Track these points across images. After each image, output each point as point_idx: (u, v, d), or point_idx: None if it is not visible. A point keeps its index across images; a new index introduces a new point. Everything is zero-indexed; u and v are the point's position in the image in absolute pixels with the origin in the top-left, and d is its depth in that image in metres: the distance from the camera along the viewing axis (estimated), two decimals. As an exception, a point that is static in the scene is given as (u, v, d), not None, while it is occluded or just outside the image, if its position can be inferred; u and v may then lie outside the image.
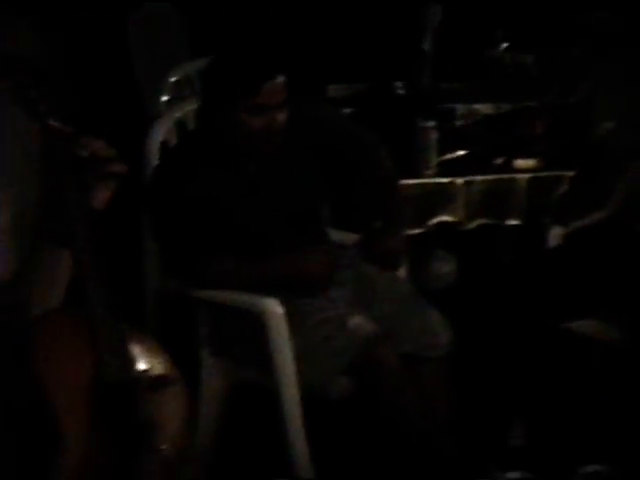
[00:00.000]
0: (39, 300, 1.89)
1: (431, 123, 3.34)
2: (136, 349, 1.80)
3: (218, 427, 2.84)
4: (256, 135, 2.63)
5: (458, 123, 3.64)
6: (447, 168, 3.37)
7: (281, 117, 2.64)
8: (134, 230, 3.22)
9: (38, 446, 1.62)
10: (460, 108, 3.69)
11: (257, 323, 2.63)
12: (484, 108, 3.73)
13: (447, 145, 3.40)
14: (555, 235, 3.10)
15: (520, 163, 3.42)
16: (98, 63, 4.38)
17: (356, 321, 2.63)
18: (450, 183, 3.32)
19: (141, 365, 1.78)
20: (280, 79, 2.62)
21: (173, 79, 3.89)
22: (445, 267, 3.88)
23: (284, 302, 2.63)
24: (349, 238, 2.98)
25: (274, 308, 2.62)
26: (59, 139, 1.75)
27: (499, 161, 3.43)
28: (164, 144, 3.07)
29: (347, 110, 3.67)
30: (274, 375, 2.63)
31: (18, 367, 1.65)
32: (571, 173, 3.28)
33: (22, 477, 1.62)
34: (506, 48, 3.98)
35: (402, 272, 2.98)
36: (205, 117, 2.74)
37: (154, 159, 2.99)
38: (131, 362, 1.76)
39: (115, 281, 3.30)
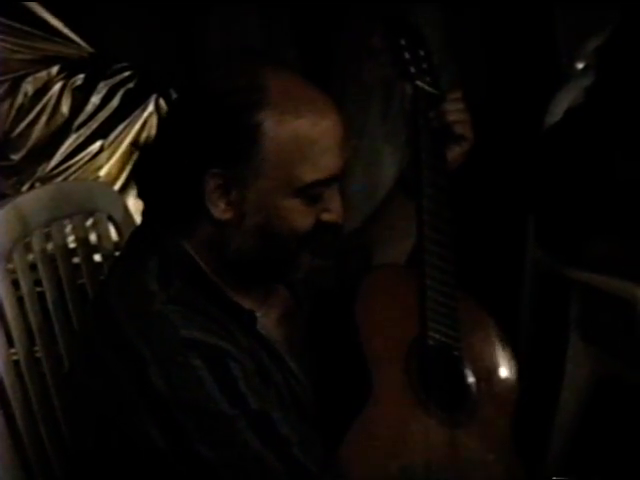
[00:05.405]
0: (385, 250, 1.88)
1: None
2: (468, 325, 1.73)
3: (576, 420, 2.62)
4: None
5: None
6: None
7: None
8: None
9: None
10: None
11: (628, 312, 2.36)
12: None
13: None
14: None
15: None
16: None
17: None
18: None
19: (471, 345, 1.73)
20: None
21: (592, 46, 3.67)
22: None
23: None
24: None
25: (645, 297, 2.35)
26: (424, 99, 1.80)
27: None
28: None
29: None
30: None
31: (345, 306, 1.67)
32: None
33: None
34: None
35: None
36: (595, 96, 2.50)
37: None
38: (458, 335, 1.69)
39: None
